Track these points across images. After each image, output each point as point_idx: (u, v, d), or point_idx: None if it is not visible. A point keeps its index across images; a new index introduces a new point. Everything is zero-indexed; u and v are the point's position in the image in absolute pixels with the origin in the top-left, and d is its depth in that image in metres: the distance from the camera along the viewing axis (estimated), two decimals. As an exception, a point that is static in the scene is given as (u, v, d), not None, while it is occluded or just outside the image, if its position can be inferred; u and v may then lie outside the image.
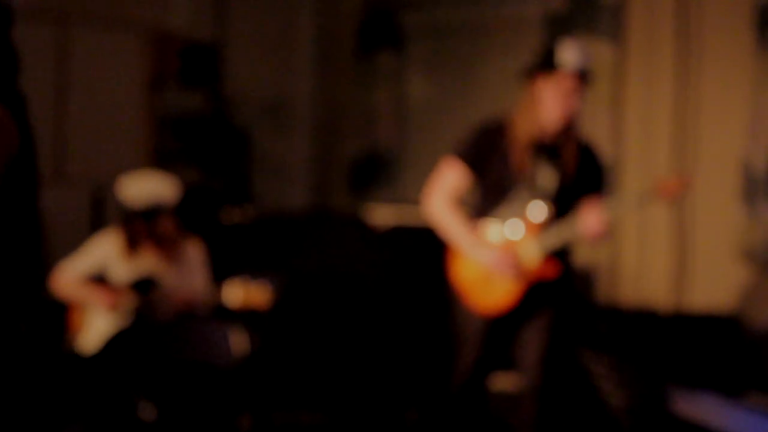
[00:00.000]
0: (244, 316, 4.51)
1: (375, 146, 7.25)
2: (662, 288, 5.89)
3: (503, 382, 4.85)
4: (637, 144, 5.99)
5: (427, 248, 5.21)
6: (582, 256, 6.07)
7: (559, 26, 6.16)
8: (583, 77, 3.81)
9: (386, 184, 7.24)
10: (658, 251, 5.95)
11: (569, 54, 3.77)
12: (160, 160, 6.55)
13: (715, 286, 5.69)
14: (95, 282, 4.66)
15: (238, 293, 4.44)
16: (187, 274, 4.66)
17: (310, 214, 7.36)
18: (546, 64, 3.82)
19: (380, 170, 7.24)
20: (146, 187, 4.58)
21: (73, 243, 5.68)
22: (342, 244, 5.62)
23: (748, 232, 5.48)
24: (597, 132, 5.99)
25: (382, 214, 5.87)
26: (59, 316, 4.71)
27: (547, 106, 3.80)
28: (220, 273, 5.08)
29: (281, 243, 5.86)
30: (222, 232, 5.97)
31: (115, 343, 4.48)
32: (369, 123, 7.28)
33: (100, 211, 5.85)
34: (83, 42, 6.23)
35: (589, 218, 3.80)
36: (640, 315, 5.34)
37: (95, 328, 4.59)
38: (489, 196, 3.91)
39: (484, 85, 6.85)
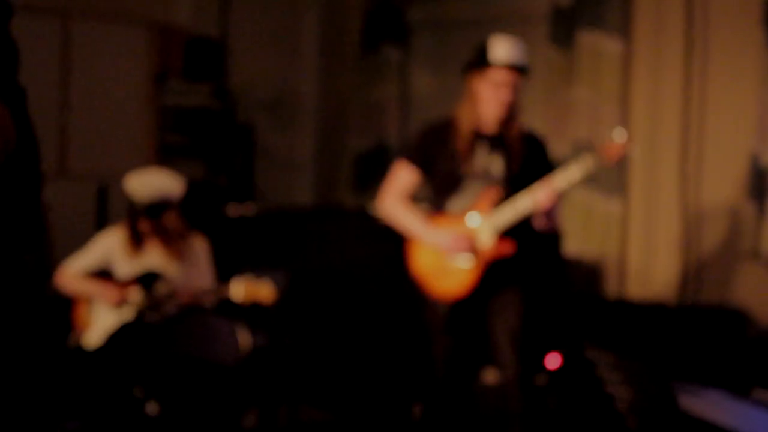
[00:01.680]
0: (249, 312, 4.50)
1: (380, 141, 7.23)
2: (670, 284, 5.87)
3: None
4: (645, 139, 5.96)
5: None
6: (590, 252, 6.06)
7: (566, 20, 6.13)
8: (515, 71, 3.91)
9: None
10: (666, 247, 5.93)
11: (499, 50, 3.90)
12: (164, 154, 6.54)
13: (722, 282, 5.67)
14: (100, 277, 4.66)
15: (242, 288, 4.44)
16: (192, 269, 4.65)
17: (315, 208, 7.34)
18: (478, 60, 3.96)
19: (385, 165, 7.21)
20: (151, 183, 4.57)
21: (78, 238, 5.67)
22: (347, 239, 5.60)
23: (755, 227, 5.45)
24: (604, 126, 5.97)
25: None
26: (64, 311, 4.70)
27: (483, 100, 3.94)
28: (224, 268, 5.07)
29: (286, 238, 5.84)
30: (227, 227, 5.96)
31: (119, 338, 4.48)
32: (374, 118, 7.26)
33: (105, 206, 5.84)
34: (87, 36, 6.21)
35: (539, 192, 3.86)
36: (647, 311, 5.32)
37: (100, 323, 4.58)
38: (441, 190, 4.03)
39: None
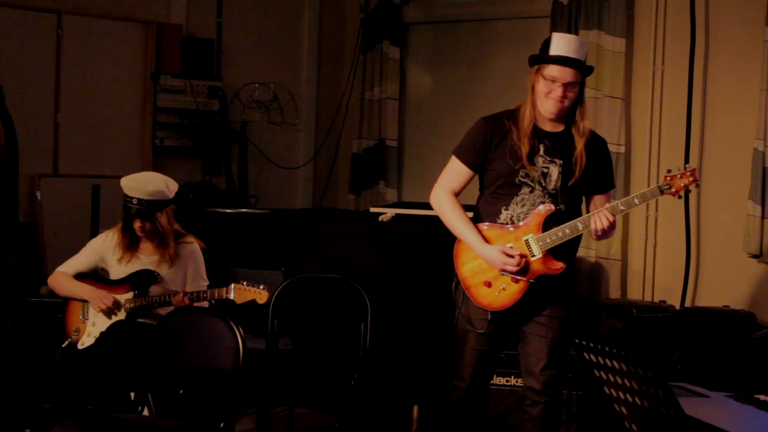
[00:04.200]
0: (245, 313, 4.46)
1: (377, 140, 7.19)
2: (671, 285, 5.84)
3: (503, 380, 4.81)
4: (647, 138, 5.92)
5: (431, 242, 5.15)
6: (592, 253, 6.02)
7: (567, 19, 6.09)
8: (572, 68, 3.79)
9: (389, 178, 7.19)
10: (668, 248, 5.90)
11: (556, 46, 3.79)
12: (159, 154, 6.50)
13: (725, 284, 5.63)
14: (94, 279, 4.63)
15: (238, 290, 4.41)
16: (186, 270, 4.62)
17: (312, 208, 7.31)
18: (538, 56, 3.85)
19: (383, 164, 7.18)
20: (145, 183, 4.53)
21: (71, 238, 5.64)
22: (344, 239, 5.56)
23: (758, 229, 5.41)
24: (607, 125, 5.93)
25: (384, 209, 5.82)
26: (58, 312, 4.68)
27: (540, 96, 3.83)
28: (220, 269, 5.03)
29: (283, 238, 5.81)
30: (222, 227, 5.92)
31: (112, 339, 4.44)
32: (372, 117, 7.22)
33: (98, 205, 5.80)
34: (82, 34, 6.18)
35: (596, 216, 3.77)
36: (650, 312, 5.28)
37: (93, 324, 4.56)
38: (495, 193, 3.91)
39: (489, 79, 6.79)
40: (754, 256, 5.48)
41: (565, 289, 3.94)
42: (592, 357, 2.85)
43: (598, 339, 2.81)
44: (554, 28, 6.14)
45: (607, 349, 2.76)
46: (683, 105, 5.75)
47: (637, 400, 2.71)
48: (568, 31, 6.07)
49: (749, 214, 5.42)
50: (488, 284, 3.88)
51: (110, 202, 5.63)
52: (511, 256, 3.78)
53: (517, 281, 3.84)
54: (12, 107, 4.51)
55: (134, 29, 6.43)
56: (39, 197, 5.94)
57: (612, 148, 5.92)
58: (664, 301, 5.55)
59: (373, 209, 5.91)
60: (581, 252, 6.02)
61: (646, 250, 5.96)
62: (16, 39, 5.88)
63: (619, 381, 2.76)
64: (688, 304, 5.71)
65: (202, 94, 6.61)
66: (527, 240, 3.82)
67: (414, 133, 7.24)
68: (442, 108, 6.97)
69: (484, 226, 3.90)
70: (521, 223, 3.84)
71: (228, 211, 6.12)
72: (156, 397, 3.96)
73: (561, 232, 3.79)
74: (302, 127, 7.35)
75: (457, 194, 3.98)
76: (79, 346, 4.53)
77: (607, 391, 2.86)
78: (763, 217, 5.40)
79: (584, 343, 2.86)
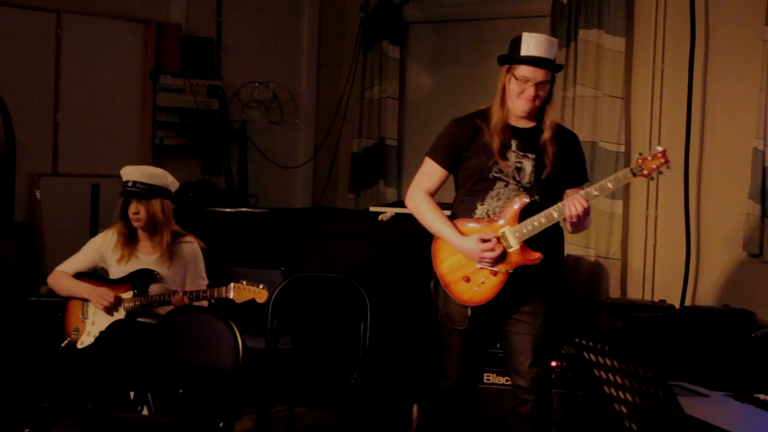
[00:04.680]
0: (244, 312, 4.46)
1: (377, 139, 7.19)
2: (671, 284, 5.83)
3: (493, 378, 4.81)
4: (647, 137, 5.92)
5: (431, 241, 5.14)
6: (592, 252, 6.01)
7: (567, 18, 6.09)
8: (543, 68, 3.84)
9: (389, 178, 7.18)
10: (667, 247, 5.89)
11: (527, 45, 3.84)
12: (158, 153, 6.50)
13: (725, 283, 5.62)
14: (94, 278, 4.63)
15: (238, 289, 4.41)
16: (186, 269, 4.61)
17: (312, 208, 7.30)
18: (508, 55, 3.90)
19: (382, 163, 7.18)
20: (143, 168, 4.62)
21: (71, 237, 5.63)
22: (344, 239, 5.56)
23: (758, 228, 5.41)
24: (607, 124, 5.92)
25: (383, 208, 5.81)
26: (57, 312, 4.68)
27: (511, 95, 3.88)
28: (219, 268, 5.02)
29: (282, 238, 5.80)
30: (222, 227, 5.91)
31: (112, 339, 4.44)
32: (372, 116, 7.22)
33: (98, 204, 5.80)
34: (81, 33, 6.17)
35: (570, 202, 3.80)
36: (650, 311, 5.27)
37: (93, 323, 4.55)
38: (470, 190, 3.96)
39: (489, 79, 6.77)
40: (754, 256, 5.47)
41: (547, 283, 3.96)
42: (592, 356, 2.85)
43: (597, 338, 2.80)
44: (554, 27, 6.14)
45: (606, 348, 2.76)
46: (683, 104, 5.74)
47: (637, 399, 2.70)
48: (568, 31, 6.07)
49: (749, 213, 5.42)
50: (467, 279, 3.91)
51: (110, 202, 5.61)
52: (488, 241, 3.82)
53: (495, 274, 3.86)
54: (11, 106, 4.50)
55: (134, 28, 6.42)
56: (38, 196, 5.93)
57: (612, 147, 5.95)
58: (664, 301, 5.55)
59: (372, 208, 5.90)
60: (581, 251, 6.02)
61: (646, 249, 5.95)
62: (15, 38, 5.87)
63: (619, 380, 2.76)
64: (688, 303, 5.71)
65: (201, 94, 6.61)
66: (504, 232, 3.86)
67: (414, 132, 7.23)
68: (441, 107, 6.96)
69: (461, 222, 3.95)
70: (497, 217, 3.89)
71: (228, 210, 6.12)
72: (155, 397, 3.96)
73: (536, 222, 3.83)
74: (302, 126, 7.34)
75: (432, 195, 4.03)
76: (79, 346, 4.53)
77: (607, 390, 2.86)
78: (763, 216, 5.39)
79: (584, 342, 2.86)
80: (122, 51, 6.37)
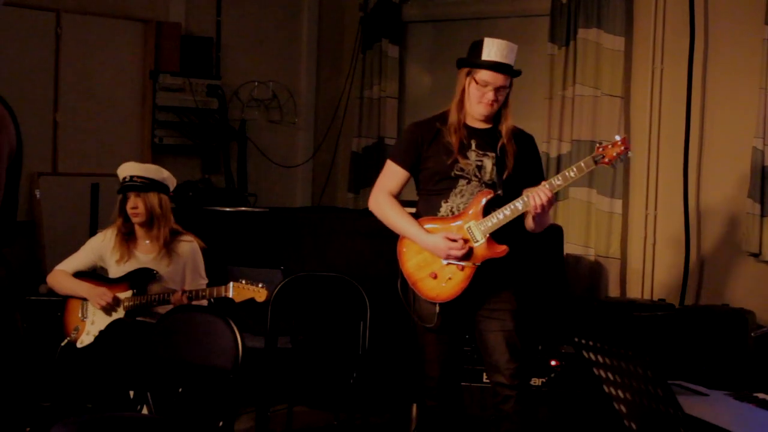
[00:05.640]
0: (244, 311, 4.45)
1: (377, 139, 7.19)
2: (670, 284, 5.83)
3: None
4: (646, 136, 5.92)
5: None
6: (591, 252, 6.01)
7: (567, 17, 6.09)
8: (502, 73, 3.89)
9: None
10: (667, 247, 5.89)
11: (488, 51, 3.88)
12: (158, 152, 6.49)
13: (723, 282, 5.62)
14: (93, 277, 4.63)
15: (237, 288, 4.41)
16: (185, 268, 4.61)
17: (311, 207, 7.30)
18: (468, 59, 3.94)
19: (382, 163, 7.16)
20: (141, 164, 4.64)
21: (70, 236, 5.63)
22: (343, 238, 5.55)
23: (757, 227, 5.41)
24: (606, 124, 5.92)
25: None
26: (57, 311, 4.67)
27: (471, 97, 3.93)
28: (219, 267, 5.02)
29: (282, 237, 5.80)
30: (221, 226, 5.91)
31: (111, 338, 4.44)
32: (371, 115, 7.22)
33: (98, 205, 5.80)
34: (81, 32, 6.17)
35: (534, 192, 3.83)
36: (649, 310, 5.27)
37: (92, 323, 4.55)
38: (433, 190, 3.99)
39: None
40: (754, 255, 5.48)
41: (514, 275, 3.97)
42: (592, 355, 2.85)
43: (597, 337, 2.80)
44: (554, 26, 6.14)
45: (606, 347, 2.76)
46: (682, 103, 5.74)
47: (636, 398, 2.70)
48: (568, 30, 6.08)
49: (748, 212, 5.42)
50: (434, 276, 3.93)
51: (109, 201, 5.60)
52: (455, 240, 3.85)
53: (462, 269, 3.88)
54: (11, 106, 4.49)
55: (133, 27, 6.42)
56: (38, 196, 5.93)
57: (611, 146, 5.95)
58: (664, 300, 5.55)
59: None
60: (580, 251, 6.02)
61: (646, 248, 5.95)
62: (15, 37, 5.87)
63: (619, 379, 2.76)
64: (687, 302, 5.71)
65: (201, 93, 6.61)
66: (469, 227, 3.89)
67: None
68: (441, 106, 6.91)
69: (425, 221, 3.97)
70: (462, 212, 3.91)
71: (227, 209, 6.11)
72: (155, 396, 3.96)
73: (501, 215, 3.87)
74: (301, 125, 7.34)
75: (395, 196, 4.06)
76: (78, 345, 4.52)
77: (607, 389, 2.86)
78: (762, 216, 5.40)
79: (583, 341, 2.86)
80: (122, 50, 6.37)
